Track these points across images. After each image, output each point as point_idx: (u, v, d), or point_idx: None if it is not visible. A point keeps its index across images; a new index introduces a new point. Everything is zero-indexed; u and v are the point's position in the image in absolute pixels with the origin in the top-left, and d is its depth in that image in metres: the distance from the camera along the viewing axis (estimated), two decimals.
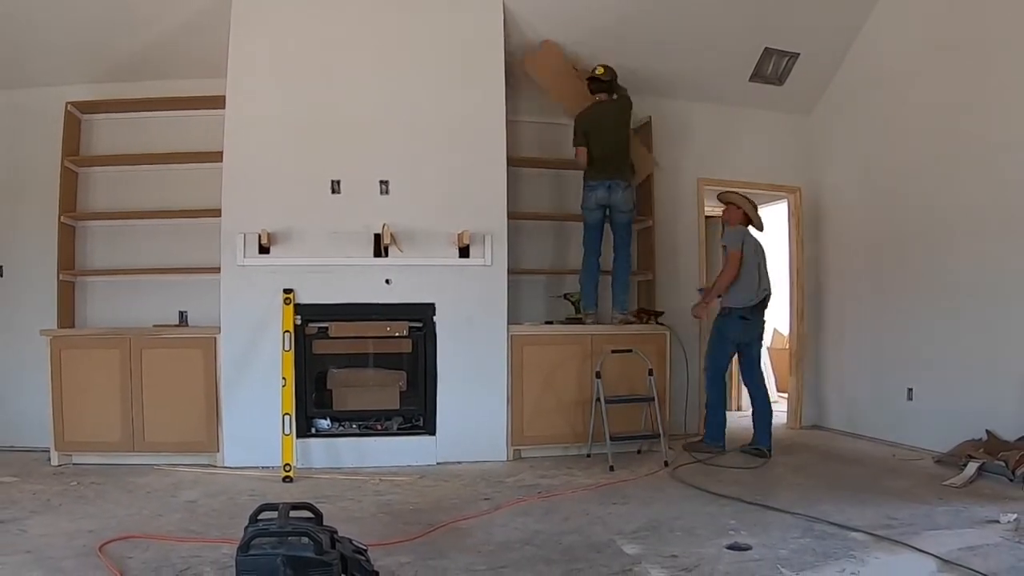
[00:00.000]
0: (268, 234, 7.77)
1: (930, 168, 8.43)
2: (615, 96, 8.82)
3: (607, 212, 8.70)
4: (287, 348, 7.64)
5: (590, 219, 8.73)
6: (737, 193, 8.93)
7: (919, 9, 8.45)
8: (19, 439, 8.41)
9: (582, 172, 8.73)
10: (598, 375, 7.97)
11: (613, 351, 8.19)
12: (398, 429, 8.22)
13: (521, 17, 8.56)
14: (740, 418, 11.04)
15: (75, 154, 8.55)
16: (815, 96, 10.03)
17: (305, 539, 3.33)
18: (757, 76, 9.62)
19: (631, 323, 8.71)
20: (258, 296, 7.82)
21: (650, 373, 8.12)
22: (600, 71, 8.68)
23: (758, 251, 8.61)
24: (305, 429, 7.90)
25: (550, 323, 8.85)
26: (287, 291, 7.81)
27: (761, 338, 8.88)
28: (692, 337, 9.51)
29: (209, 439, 7.81)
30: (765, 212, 11.50)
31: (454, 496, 6.63)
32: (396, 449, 8.00)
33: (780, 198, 10.57)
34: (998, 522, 5.54)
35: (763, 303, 8.59)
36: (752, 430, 8.52)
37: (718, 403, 8.63)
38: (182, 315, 8.62)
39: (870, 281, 9.34)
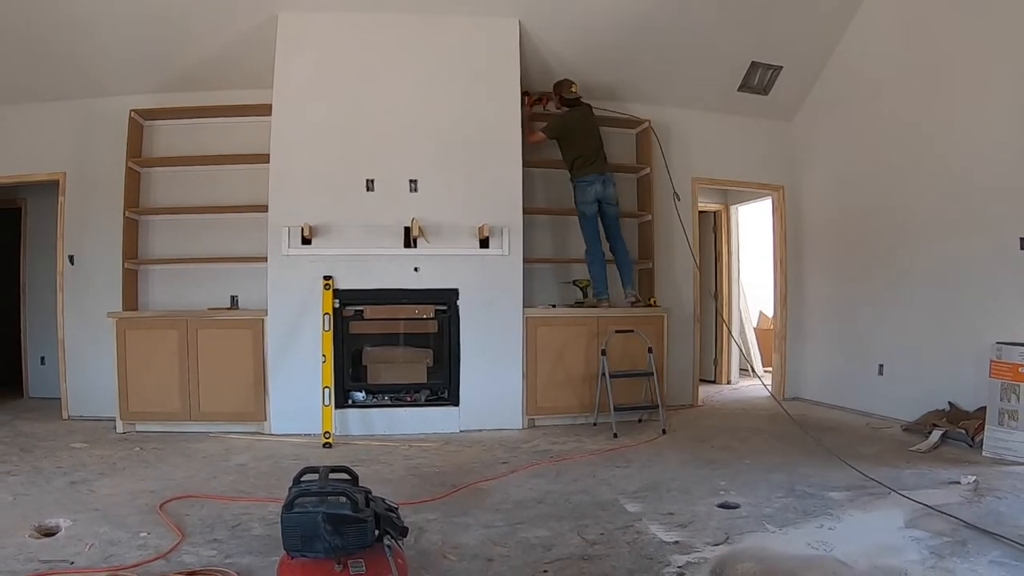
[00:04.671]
0: (310, 227, 7.78)
1: (897, 169, 8.42)
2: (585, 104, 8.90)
3: (599, 205, 8.65)
4: (327, 329, 7.65)
5: (589, 212, 8.61)
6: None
7: (888, 30, 8.41)
8: (88, 409, 8.46)
9: (569, 171, 8.74)
10: (603, 352, 7.95)
11: (617, 331, 8.17)
12: (425, 401, 8.22)
13: (535, 35, 8.53)
14: (731, 391, 11.04)
15: (138, 156, 8.55)
16: (796, 105, 9.97)
17: (343, 498, 3.32)
18: (745, 87, 9.57)
19: (638, 303, 8.71)
20: (301, 282, 7.82)
21: (649, 351, 8.10)
22: (575, 89, 8.75)
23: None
24: (343, 401, 7.91)
25: (554, 306, 8.82)
26: (327, 278, 7.81)
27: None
28: (688, 319, 9.55)
29: (257, 409, 7.84)
30: (753, 208, 11.55)
31: (475, 460, 6.63)
32: (423, 418, 8.01)
33: (765, 196, 10.51)
34: (959, 483, 5.55)
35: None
36: None
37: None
38: (233, 299, 8.62)
39: (845, 269, 9.31)
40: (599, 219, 8.72)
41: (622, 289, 8.76)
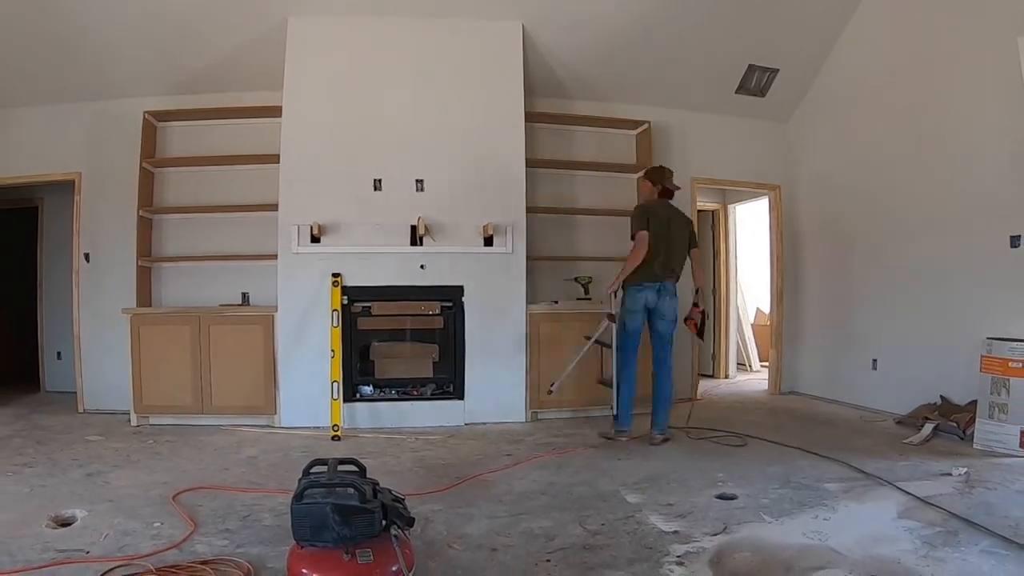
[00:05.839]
0: (319, 226, 7.78)
1: (890, 169, 8.44)
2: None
3: (649, 316, 7.19)
4: (335, 324, 7.67)
5: (632, 324, 7.16)
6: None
7: (882, 34, 8.42)
8: (103, 403, 8.48)
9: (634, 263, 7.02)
10: (588, 337, 7.73)
11: (587, 337, 7.68)
12: (431, 394, 8.21)
13: (538, 38, 8.52)
14: (729, 386, 11.03)
15: (152, 156, 8.56)
16: (792, 106, 9.96)
17: (351, 490, 3.32)
18: (742, 89, 9.56)
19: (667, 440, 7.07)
20: (310, 279, 7.83)
21: (611, 317, 7.59)
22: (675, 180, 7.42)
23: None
24: (351, 394, 7.92)
25: (556, 303, 8.78)
26: (335, 275, 7.82)
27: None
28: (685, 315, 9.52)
29: (268, 403, 7.85)
30: (750, 207, 11.55)
31: (480, 453, 6.64)
32: (429, 412, 8.01)
33: (762, 195, 10.50)
34: (950, 475, 5.56)
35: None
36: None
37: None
38: (244, 296, 8.64)
39: (840, 266, 9.31)
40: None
41: (649, 428, 7.14)
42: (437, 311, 8.19)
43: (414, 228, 7.98)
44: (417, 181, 8.09)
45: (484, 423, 7.98)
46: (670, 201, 7.39)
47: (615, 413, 7.21)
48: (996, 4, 7.02)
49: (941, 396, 7.51)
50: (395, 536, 3.36)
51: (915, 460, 6.09)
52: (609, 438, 7.14)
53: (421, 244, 8.00)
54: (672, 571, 3.76)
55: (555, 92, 9.27)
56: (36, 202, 10.18)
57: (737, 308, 12.12)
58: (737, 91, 9.61)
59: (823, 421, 8.01)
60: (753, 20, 8.63)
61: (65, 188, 8.97)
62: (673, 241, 7.13)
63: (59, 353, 10.00)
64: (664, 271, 7.09)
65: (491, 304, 8.16)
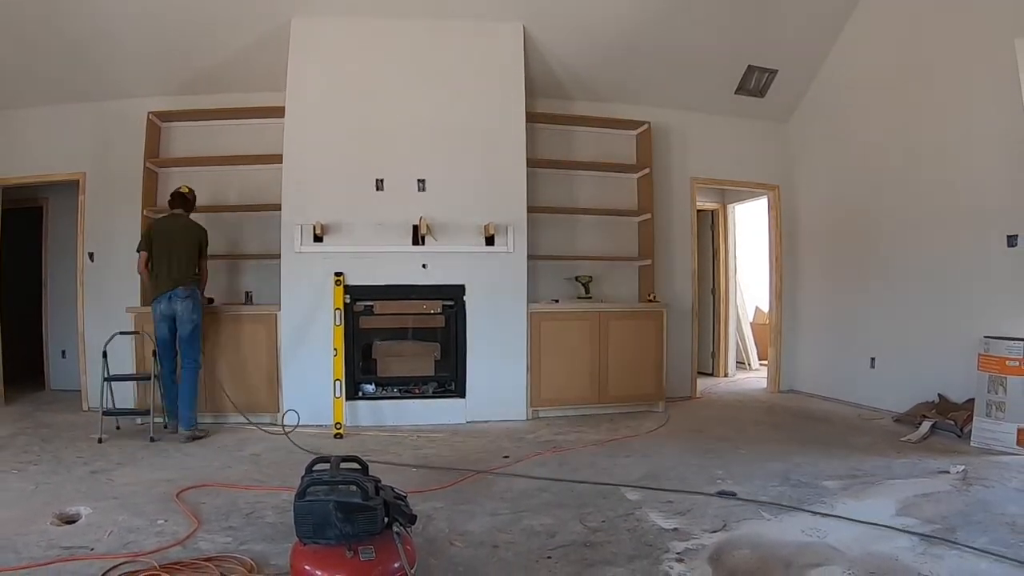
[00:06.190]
0: (322, 225, 7.79)
1: (888, 169, 8.44)
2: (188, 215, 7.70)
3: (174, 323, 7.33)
4: (338, 323, 7.67)
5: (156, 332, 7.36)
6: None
7: (880, 35, 8.43)
8: (107, 401, 8.44)
9: None
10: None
11: None
12: (433, 392, 8.22)
13: (540, 41, 8.53)
14: (728, 384, 11.02)
15: (155, 156, 8.57)
16: (791, 107, 9.97)
17: (353, 487, 3.32)
18: (741, 90, 9.57)
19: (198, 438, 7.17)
20: (313, 278, 7.82)
21: None
22: (185, 189, 7.70)
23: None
24: (353, 393, 7.93)
25: (556, 301, 8.82)
26: (338, 274, 7.81)
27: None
28: (686, 314, 9.56)
29: (271, 401, 7.87)
30: (749, 207, 11.57)
31: (481, 450, 6.63)
32: (431, 410, 8.01)
33: (761, 195, 10.50)
34: (948, 472, 5.58)
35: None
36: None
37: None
38: (247, 295, 8.64)
39: (838, 266, 9.31)
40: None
41: (177, 423, 7.28)
42: (439, 310, 8.19)
43: (416, 228, 7.98)
44: (419, 181, 8.09)
45: (485, 421, 7.98)
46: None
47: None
48: (994, 5, 7.02)
49: (939, 394, 7.51)
50: (397, 533, 3.35)
51: (913, 458, 6.10)
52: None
53: (423, 243, 8.00)
54: (672, 568, 3.76)
55: (555, 92, 9.26)
56: (41, 202, 10.19)
57: (736, 307, 12.12)
58: (736, 91, 9.61)
59: (822, 419, 8.02)
60: (752, 21, 8.64)
61: (69, 188, 8.98)
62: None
63: (63, 352, 10.01)
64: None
65: (492, 303, 8.15)
